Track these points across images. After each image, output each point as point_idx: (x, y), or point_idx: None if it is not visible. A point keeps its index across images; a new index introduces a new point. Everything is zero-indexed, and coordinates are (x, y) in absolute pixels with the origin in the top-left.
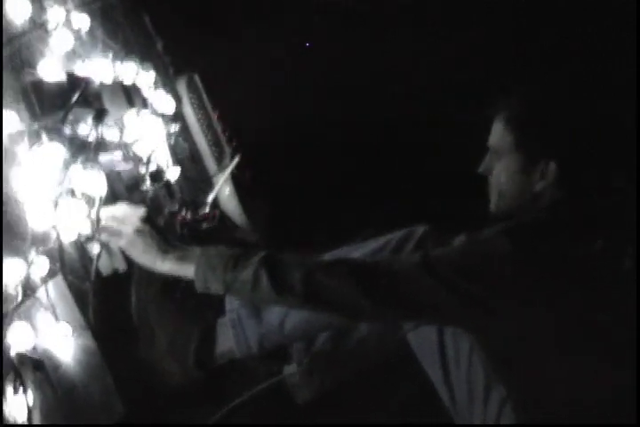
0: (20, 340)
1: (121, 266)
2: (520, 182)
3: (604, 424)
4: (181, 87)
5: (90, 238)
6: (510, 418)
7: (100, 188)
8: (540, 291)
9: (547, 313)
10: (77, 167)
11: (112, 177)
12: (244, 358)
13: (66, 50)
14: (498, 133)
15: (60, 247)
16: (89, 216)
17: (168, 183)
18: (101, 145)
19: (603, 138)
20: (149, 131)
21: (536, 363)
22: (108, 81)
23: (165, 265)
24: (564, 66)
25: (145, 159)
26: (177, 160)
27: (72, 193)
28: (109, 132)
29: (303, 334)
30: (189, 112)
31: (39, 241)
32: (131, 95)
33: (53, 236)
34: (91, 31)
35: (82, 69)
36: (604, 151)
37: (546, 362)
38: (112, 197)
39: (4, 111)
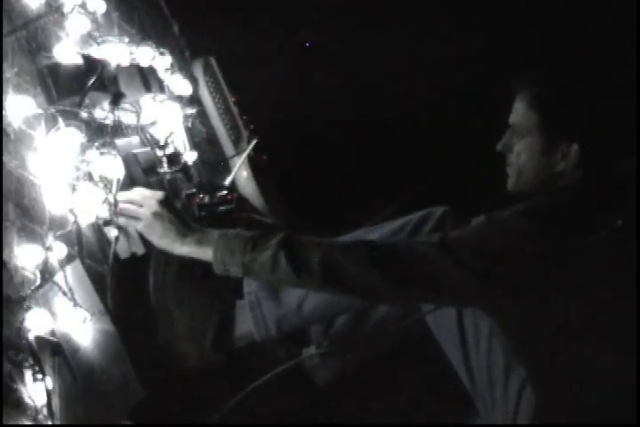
0: (38, 324)
1: (139, 249)
2: (541, 162)
3: (603, 424)
4: (198, 70)
5: (107, 222)
6: (530, 400)
7: (117, 171)
8: (559, 271)
9: (565, 294)
10: (94, 151)
11: (129, 160)
12: (262, 341)
13: (82, 33)
14: (521, 112)
15: (78, 231)
16: (106, 200)
17: (185, 166)
18: (118, 128)
19: (627, 121)
20: (166, 114)
21: (555, 344)
22: (125, 64)
23: (184, 248)
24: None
25: (162, 142)
26: (194, 143)
27: (89, 177)
28: (126, 116)
29: (322, 316)
30: (206, 95)
31: (57, 225)
32: (147, 79)
33: (71, 220)
34: (107, 14)
35: (98, 53)
36: (626, 134)
37: (565, 343)
38: (129, 181)
39: (20, 95)
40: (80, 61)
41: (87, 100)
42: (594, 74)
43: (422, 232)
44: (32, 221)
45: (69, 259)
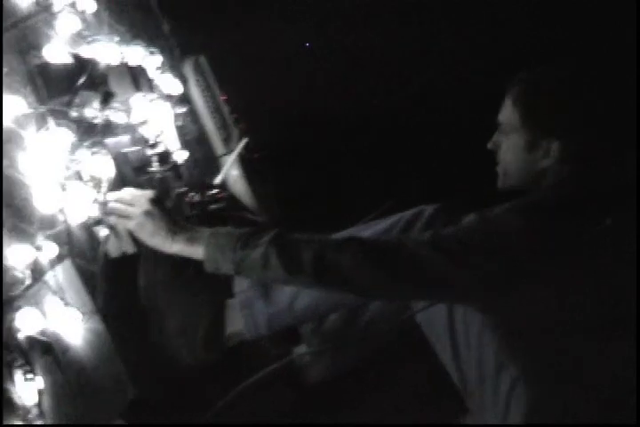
0: (28, 324)
1: (129, 249)
2: (525, 159)
3: (603, 424)
4: (188, 69)
5: (98, 221)
6: (521, 399)
7: (107, 170)
8: (550, 267)
9: (557, 291)
10: (85, 150)
11: (119, 160)
12: (253, 340)
13: (72, 32)
14: (506, 109)
15: (68, 231)
16: (96, 199)
17: (176, 165)
18: (108, 128)
19: (606, 118)
20: (156, 113)
21: (546, 342)
22: (115, 64)
23: (175, 247)
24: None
25: (152, 141)
26: (184, 142)
27: (80, 176)
28: (116, 115)
29: (313, 314)
30: (196, 94)
31: (47, 225)
32: (137, 78)
33: (61, 219)
34: (96, 13)
35: (88, 52)
36: (607, 131)
37: (557, 341)
38: (120, 180)
39: (10, 95)
40: (70, 61)
41: (77, 100)
42: (574, 72)
43: (413, 230)
44: (22, 221)
45: (60, 258)
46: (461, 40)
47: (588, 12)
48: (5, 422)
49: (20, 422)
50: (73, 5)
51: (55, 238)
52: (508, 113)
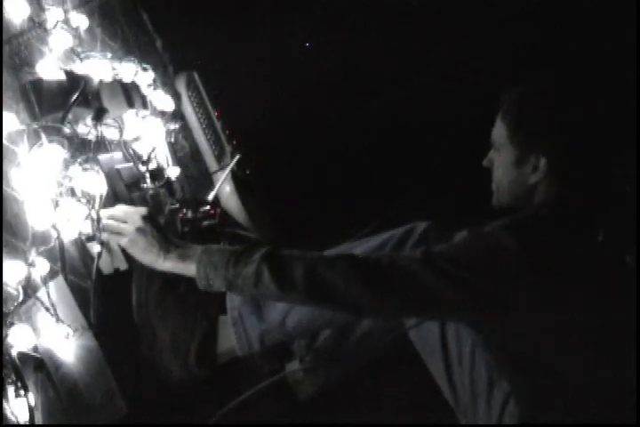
0: (20, 340)
1: (122, 265)
2: (515, 175)
3: (604, 424)
4: (181, 85)
5: (90, 238)
6: (514, 414)
7: (100, 187)
8: (542, 285)
9: (549, 308)
10: (77, 167)
11: (112, 176)
12: (245, 356)
13: (65, 49)
14: (497, 126)
15: (61, 247)
16: (89, 215)
17: (168, 182)
18: (101, 144)
19: (592, 132)
20: (149, 129)
21: (539, 358)
22: (108, 80)
23: (167, 263)
24: (555, 66)
25: (145, 158)
26: (177, 158)
27: (72, 192)
28: (109, 132)
29: (305, 331)
30: (189, 110)
31: (40, 241)
32: (130, 94)
33: (54, 235)
34: (89, 30)
35: (81, 69)
36: (593, 145)
37: (549, 357)
38: (112, 196)
39: (3, 111)
40: (63, 77)
41: (70, 116)
42: (557, 86)
43: (406, 247)
44: (15, 237)
45: (52, 275)
46: (461, 40)
47: (586, 13)
48: None
49: None
50: (66, 22)
51: (48, 255)
52: (497, 130)
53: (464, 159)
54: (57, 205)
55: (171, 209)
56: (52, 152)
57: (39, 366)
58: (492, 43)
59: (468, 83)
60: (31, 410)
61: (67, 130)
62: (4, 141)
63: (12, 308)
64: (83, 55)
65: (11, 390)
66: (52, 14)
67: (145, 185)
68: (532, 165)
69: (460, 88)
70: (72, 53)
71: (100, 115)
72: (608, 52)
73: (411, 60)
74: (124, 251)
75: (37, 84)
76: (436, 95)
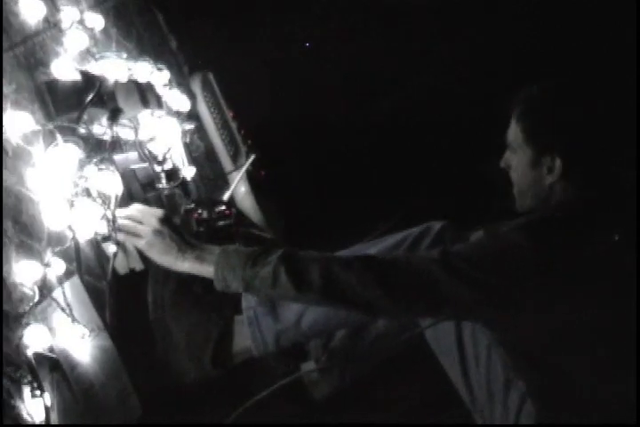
0: (36, 340)
1: (137, 265)
2: (531, 176)
3: (604, 424)
4: (196, 86)
5: (106, 238)
6: (530, 414)
7: (115, 187)
8: (556, 285)
9: (564, 308)
10: (93, 167)
11: (127, 176)
12: (261, 356)
13: (80, 49)
14: (512, 128)
15: (77, 247)
16: (105, 216)
17: (184, 182)
18: (116, 144)
19: (605, 133)
20: (164, 130)
21: (555, 358)
22: (123, 80)
23: (185, 265)
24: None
25: (160, 158)
26: (192, 158)
27: (88, 193)
28: (124, 132)
29: (320, 331)
30: (204, 111)
31: (55, 241)
32: (145, 94)
33: (69, 236)
34: (105, 30)
35: (96, 69)
36: (607, 146)
37: (565, 356)
38: (128, 197)
39: (18, 111)
40: (78, 77)
41: (85, 116)
42: (571, 88)
43: (421, 247)
44: (30, 238)
45: (68, 275)
46: (461, 40)
47: (586, 13)
48: None
49: None
50: (81, 22)
51: (63, 255)
52: (512, 131)
53: (469, 159)
54: (72, 205)
55: (186, 209)
56: (68, 152)
57: (55, 367)
58: (492, 43)
59: (468, 83)
60: (47, 410)
61: (82, 130)
62: (20, 141)
63: (27, 308)
64: (98, 55)
65: (27, 390)
66: (68, 15)
67: (160, 185)
68: (547, 166)
69: (459, 88)
70: (87, 54)
71: (115, 115)
72: (608, 52)
73: (411, 60)
74: (139, 251)
75: (53, 85)
76: (436, 95)
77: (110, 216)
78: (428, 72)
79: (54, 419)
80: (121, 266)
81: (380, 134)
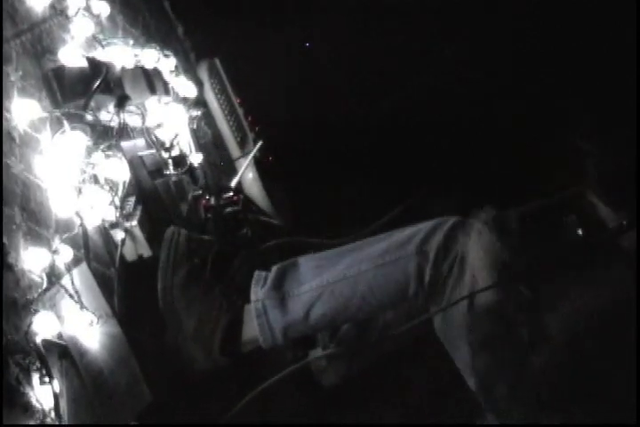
0: (45, 327)
1: (146, 252)
2: None
3: (604, 424)
4: (203, 72)
5: (114, 225)
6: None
7: (123, 174)
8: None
9: (573, 294)
10: (100, 154)
11: (135, 163)
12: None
13: (86, 36)
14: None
15: (85, 234)
16: (112, 202)
17: (191, 168)
18: (124, 131)
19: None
20: (171, 116)
21: (563, 344)
22: (130, 67)
23: None
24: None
25: (168, 145)
26: (200, 145)
27: (95, 179)
28: (131, 118)
29: (329, 324)
30: (211, 97)
31: (63, 228)
32: (152, 81)
33: (77, 222)
34: (111, 17)
35: (103, 55)
36: None
37: (574, 343)
38: (135, 183)
39: (25, 98)
40: (85, 64)
41: (92, 103)
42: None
43: (432, 242)
44: (38, 225)
45: (76, 262)
46: (461, 40)
47: (586, 13)
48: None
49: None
50: (88, 9)
51: (71, 242)
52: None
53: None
54: (80, 192)
55: (194, 196)
56: (75, 139)
57: (64, 354)
58: (492, 43)
59: (468, 83)
60: (56, 397)
61: (89, 117)
62: (27, 128)
63: (36, 295)
64: (104, 42)
65: (36, 377)
66: (74, 2)
67: (168, 172)
68: None
69: (459, 88)
70: (94, 40)
71: (122, 101)
72: (608, 52)
73: (411, 60)
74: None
75: (59, 72)
76: (436, 95)
77: (118, 203)
78: (428, 72)
79: (63, 406)
80: (129, 253)
81: (397, 121)
